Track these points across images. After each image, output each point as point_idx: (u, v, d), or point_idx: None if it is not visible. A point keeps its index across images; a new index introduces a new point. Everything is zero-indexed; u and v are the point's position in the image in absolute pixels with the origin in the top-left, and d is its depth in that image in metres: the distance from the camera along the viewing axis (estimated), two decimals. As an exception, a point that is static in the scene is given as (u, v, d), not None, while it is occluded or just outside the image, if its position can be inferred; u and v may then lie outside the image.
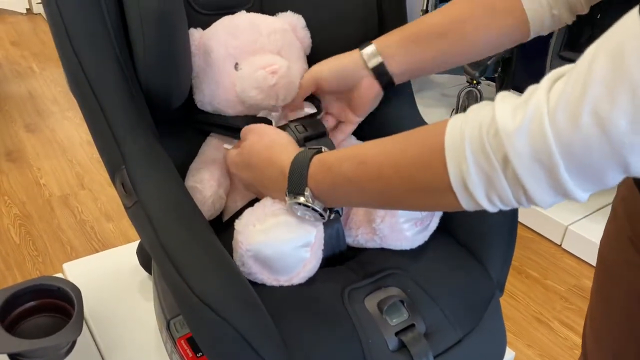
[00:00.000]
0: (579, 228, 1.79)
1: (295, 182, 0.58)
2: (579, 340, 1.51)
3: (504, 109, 0.42)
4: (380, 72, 0.69)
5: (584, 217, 1.83)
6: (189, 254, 0.57)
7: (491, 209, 0.46)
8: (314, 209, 0.58)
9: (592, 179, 0.41)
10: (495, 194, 0.44)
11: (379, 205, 0.57)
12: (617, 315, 0.72)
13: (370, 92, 0.71)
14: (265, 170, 0.63)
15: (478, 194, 0.44)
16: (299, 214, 0.60)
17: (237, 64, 0.70)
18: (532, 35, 0.66)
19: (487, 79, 2.24)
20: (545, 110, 0.40)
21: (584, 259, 1.78)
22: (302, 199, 0.57)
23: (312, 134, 0.71)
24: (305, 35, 0.77)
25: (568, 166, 0.40)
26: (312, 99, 0.76)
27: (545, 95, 0.41)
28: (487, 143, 0.42)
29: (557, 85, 0.41)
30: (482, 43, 0.66)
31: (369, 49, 0.69)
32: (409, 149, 0.49)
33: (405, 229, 0.68)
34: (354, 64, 0.70)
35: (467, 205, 0.46)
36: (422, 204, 0.52)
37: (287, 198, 0.59)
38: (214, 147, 0.74)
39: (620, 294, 0.70)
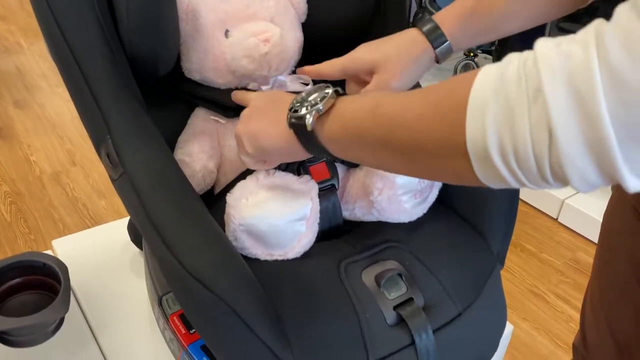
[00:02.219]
0: (576, 202, 1.78)
1: (303, 99, 0.51)
2: (574, 313, 1.51)
3: (547, 43, 0.36)
4: (439, 44, 0.62)
5: (581, 190, 1.83)
6: (179, 228, 0.55)
7: (501, 165, 0.36)
8: (306, 128, 0.50)
9: None
10: (510, 136, 0.35)
11: (374, 158, 0.48)
12: (613, 284, 0.72)
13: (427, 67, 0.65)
14: (276, 97, 0.57)
15: (490, 134, 0.35)
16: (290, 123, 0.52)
17: (227, 30, 0.67)
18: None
19: (484, 51, 2.20)
20: (594, 36, 0.33)
21: (580, 232, 1.78)
22: (303, 111, 0.50)
23: None
24: (300, 1, 0.74)
25: (612, 109, 0.31)
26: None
27: (594, 29, 0.34)
28: (522, 70, 0.35)
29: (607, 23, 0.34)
30: (542, 8, 0.61)
31: (428, 22, 0.63)
32: (430, 92, 0.42)
33: (403, 201, 0.66)
34: (414, 42, 0.63)
35: (473, 149, 0.37)
36: (420, 150, 0.42)
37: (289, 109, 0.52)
38: (202, 118, 0.71)
39: (619, 263, 0.70)
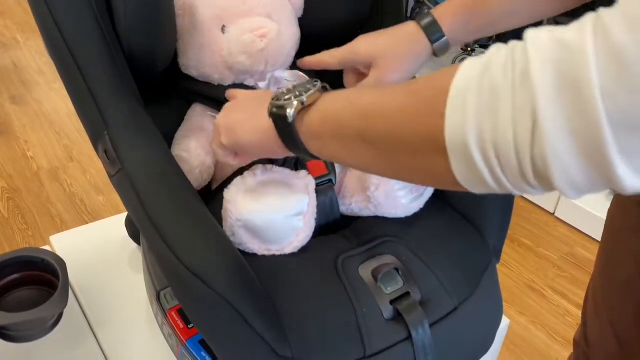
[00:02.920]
0: (573, 196, 1.79)
1: (289, 90, 0.48)
2: (571, 308, 1.52)
3: (539, 30, 0.32)
4: (437, 39, 0.62)
5: (578, 185, 1.83)
6: (177, 224, 0.56)
7: (480, 160, 0.33)
8: (287, 119, 0.47)
9: None
10: (491, 125, 0.32)
11: (352, 156, 0.45)
12: (617, 281, 0.72)
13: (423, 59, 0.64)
14: (262, 95, 0.55)
15: (470, 123, 0.32)
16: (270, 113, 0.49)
17: (224, 26, 0.67)
18: None
19: (482, 46, 2.20)
20: (592, 22, 0.29)
21: (577, 227, 1.78)
22: (286, 101, 0.47)
23: None
24: None
25: (608, 93, 0.28)
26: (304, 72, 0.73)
27: (592, 16, 0.30)
28: (510, 57, 0.32)
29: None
30: (544, 4, 0.61)
31: (427, 17, 0.63)
32: (414, 82, 0.40)
33: (400, 197, 0.66)
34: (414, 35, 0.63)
35: (451, 142, 0.34)
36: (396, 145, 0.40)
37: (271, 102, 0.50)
38: (199, 114, 0.71)
39: (622, 260, 0.70)
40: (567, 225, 1.80)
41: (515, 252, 1.70)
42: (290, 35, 0.71)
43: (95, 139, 0.61)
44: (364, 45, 0.64)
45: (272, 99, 0.49)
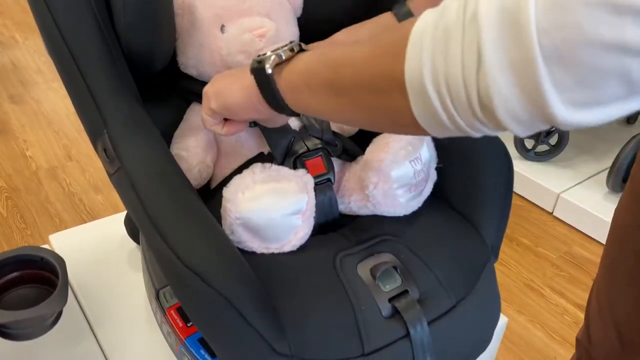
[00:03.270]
0: (571, 196, 1.79)
1: (265, 53, 0.52)
2: (569, 306, 1.52)
3: None
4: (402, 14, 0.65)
5: (576, 184, 1.83)
6: (176, 222, 0.56)
7: (434, 96, 0.35)
8: (265, 71, 0.51)
9: (575, 70, 0.30)
10: (443, 62, 0.34)
11: (322, 104, 0.48)
12: (619, 281, 0.72)
13: None
14: (242, 67, 0.59)
15: (425, 61, 0.35)
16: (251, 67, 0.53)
17: (223, 25, 0.68)
18: None
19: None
20: None
21: (575, 226, 1.79)
22: (261, 57, 0.51)
23: None
24: None
25: (542, 27, 0.30)
26: None
27: None
28: (462, 3, 0.34)
29: None
30: None
31: (402, 7, 0.66)
32: (376, 38, 0.43)
33: (399, 195, 0.66)
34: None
35: (410, 80, 0.36)
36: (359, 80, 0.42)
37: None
38: (198, 113, 0.71)
39: (625, 258, 0.70)
40: (565, 224, 1.81)
41: (514, 251, 1.70)
42: (288, 35, 0.72)
43: (94, 138, 0.61)
44: (343, 37, 0.67)
45: (254, 59, 0.53)
